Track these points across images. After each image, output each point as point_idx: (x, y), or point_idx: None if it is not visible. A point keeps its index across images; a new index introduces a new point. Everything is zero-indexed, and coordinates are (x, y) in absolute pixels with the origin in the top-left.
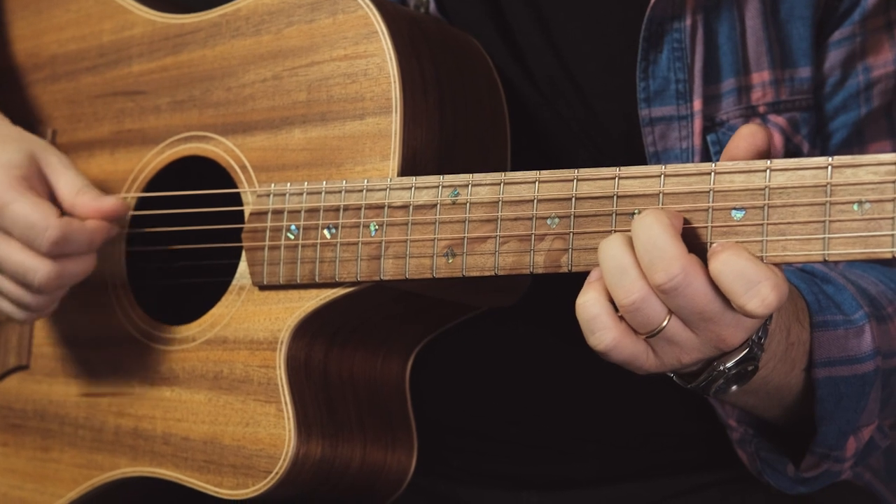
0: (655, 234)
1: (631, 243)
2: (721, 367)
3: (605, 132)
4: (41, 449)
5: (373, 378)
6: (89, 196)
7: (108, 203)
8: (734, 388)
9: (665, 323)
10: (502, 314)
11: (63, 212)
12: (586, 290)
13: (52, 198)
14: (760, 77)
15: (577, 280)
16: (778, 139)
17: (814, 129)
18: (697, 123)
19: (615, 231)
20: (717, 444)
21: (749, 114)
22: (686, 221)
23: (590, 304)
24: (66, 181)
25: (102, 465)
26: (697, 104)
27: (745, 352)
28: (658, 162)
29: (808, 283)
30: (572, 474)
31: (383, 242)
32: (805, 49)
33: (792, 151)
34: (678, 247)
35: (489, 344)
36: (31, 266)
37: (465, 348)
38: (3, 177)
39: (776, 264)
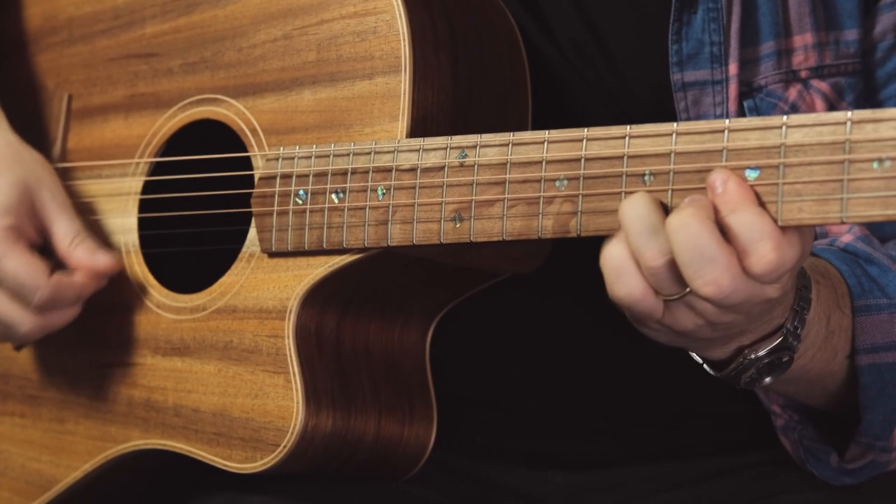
0: (702, 241)
1: (655, 203)
2: (752, 356)
3: (634, 97)
4: (57, 420)
5: (389, 348)
6: (84, 249)
7: (103, 261)
8: (768, 379)
9: (689, 289)
10: (528, 282)
11: (55, 258)
12: (615, 242)
13: (43, 235)
14: (803, 40)
15: None
16: (821, 106)
17: (861, 96)
18: (733, 88)
19: (625, 192)
20: (754, 426)
21: (790, 79)
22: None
23: (617, 252)
24: (61, 226)
25: (115, 437)
26: (733, 68)
27: (778, 340)
28: None
29: (850, 264)
30: (601, 452)
31: (391, 206)
32: (851, 10)
33: None
34: (727, 253)
35: (514, 313)
36: (16, 319)
37: (489, 317)
38: None
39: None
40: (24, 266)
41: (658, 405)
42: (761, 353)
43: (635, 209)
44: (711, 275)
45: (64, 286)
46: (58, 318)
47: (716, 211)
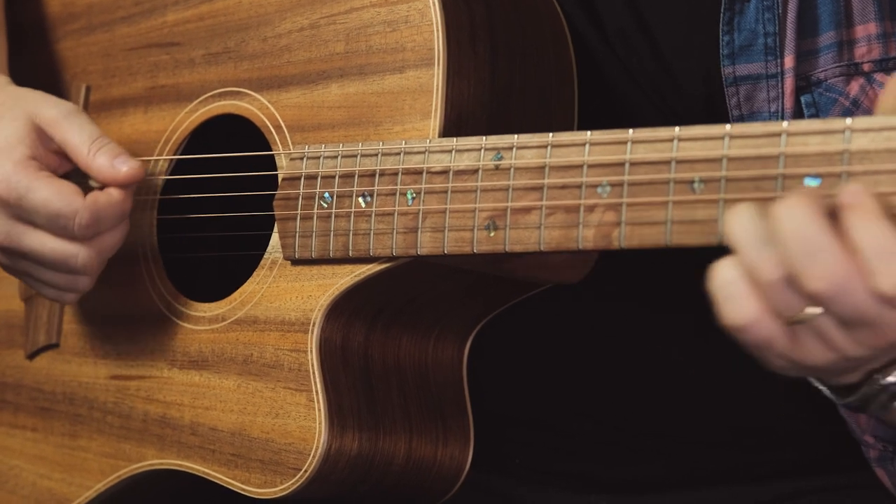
0: (811, 231)
1: (764, 212)
2: (883, 381)
3: (683, 92)
4: (69, 435)
5: (423, 363)
6: (103, 157)
7: (124, 171)
8: None
9: (818, 311)
10: (571, 292)
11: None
12: (725, 262)
13: (64, 156)
14: (866, 30)
15: (655, 252)
16: None
17: None
18: (789, 83)
19: (672, 201)
20: (821, 445)
21: (851, 72)
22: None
23: (727, 268)
24: (73, 136)
25: (130, 456)
26: (789, 61)
27: None
28: None
29: None
30: (649, 475)
31: (420, 212)
32: None
33: None
34: (836, 245)
35: (557, 325)
36: (70, 252)
37: (529, 330)
38: (8, 163)
39: None
40: (55, 194)
41: (712, 422)
42: (893, 378)
43: (742, 221)
44: (821, 266)
45: (102, 204)
46: (109, 239)
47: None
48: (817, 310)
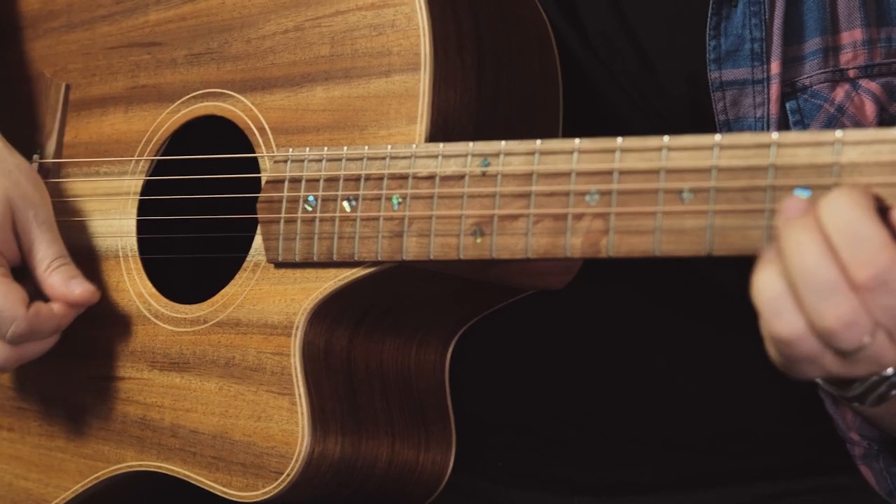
0: (856, 220)
1: (832, 250)
2: (885, 373)
3: (669, 98)
4: (47, 436)
5: (406, 367)
6: (59, 276)
7: (77, 292)
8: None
9: (867, 340)
10: (554, 297)
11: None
12: (765, 267)
13: (23, 254)
14: (851, 36)
15: (642, 260)
16: (870, 108)
17: None
18: (775, 89)
19: (661, 212)
20: (808, 448)
21: (837, 78)
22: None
23: (774, 282)
24: (40, 249)
25: (108, 457)
26: (775, 67)
27: None
28: (729, 132)
29: None
30: (633, 479)
31: (406, 218)
32: None
33: (888, 123)
34: (883, 233)
35: (539, 331)
36: None
37: (512, 335)
38: None
39: None
40: (2, 296)
41: (698, 428)
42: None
43: (809, 258)
44: (866, 255)
45: (42, 318)
46: (35, 348)
47: None
48: (868, 337)
